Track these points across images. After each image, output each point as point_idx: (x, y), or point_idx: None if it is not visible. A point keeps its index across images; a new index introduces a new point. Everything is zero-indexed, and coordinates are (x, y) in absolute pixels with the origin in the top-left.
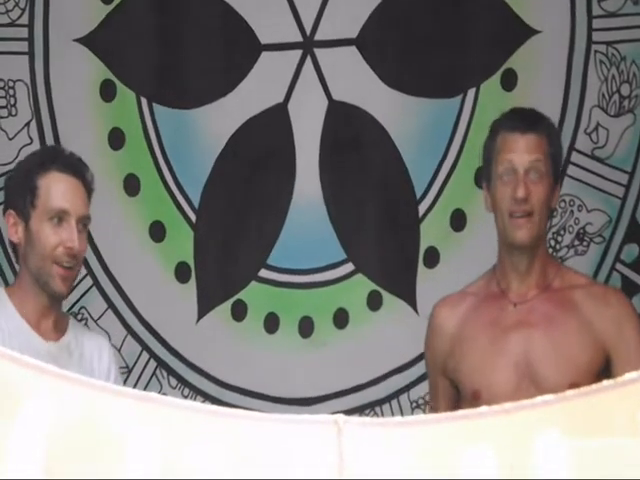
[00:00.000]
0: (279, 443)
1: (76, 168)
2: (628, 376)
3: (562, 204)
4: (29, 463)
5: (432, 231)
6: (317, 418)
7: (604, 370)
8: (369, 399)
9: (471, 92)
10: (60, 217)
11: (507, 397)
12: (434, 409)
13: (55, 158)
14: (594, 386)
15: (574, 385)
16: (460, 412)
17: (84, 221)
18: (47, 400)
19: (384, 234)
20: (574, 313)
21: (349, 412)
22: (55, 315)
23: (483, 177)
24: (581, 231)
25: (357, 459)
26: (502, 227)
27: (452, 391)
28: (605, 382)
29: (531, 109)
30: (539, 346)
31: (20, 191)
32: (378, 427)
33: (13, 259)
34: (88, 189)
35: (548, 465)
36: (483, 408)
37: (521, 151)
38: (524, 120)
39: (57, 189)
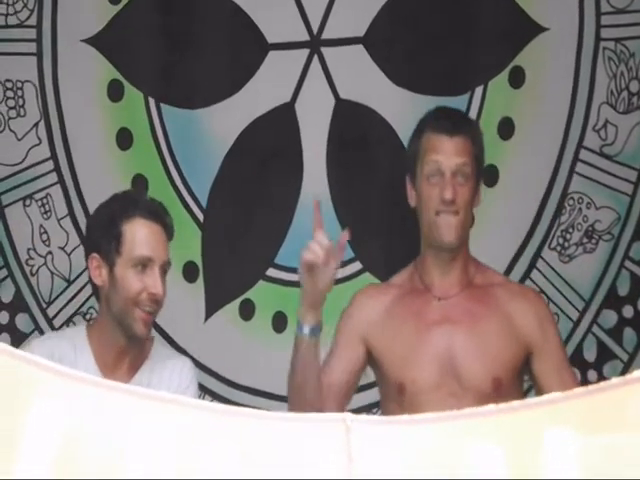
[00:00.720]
0: (287, 442)
1: (158, 214)
2: (636, 373)
3: (570, 202)
4: (39, 463)
5: None
6: (325, 416)
7: (525, 364)
8: (377, 397)
9: (479, 90)
10: (144, 264)
11: (430, 391)
12: (325, 365)
13: (137, 204)
14: (602, 384)
15: (497, 380)
16: (468, 410)
17: (165, 266)
18: (57, 400)
19: (392, 233)
20: (496, 309)
21: (357, 410)
22: (131, 355)
23: (407, 173)
24: (590, 229)
25: (365, 457)
26: (427, 225)
27: (359, 358)
28: (614, 379)
29: (457, 110)
30: (462, 341)
31: (105, 236)
32: (386, 425)
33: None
34: (168, 234)
35: (556, 463)
36: (490, 406)
37: (449, 153)
38: (451, 122)
39: (141, 236)
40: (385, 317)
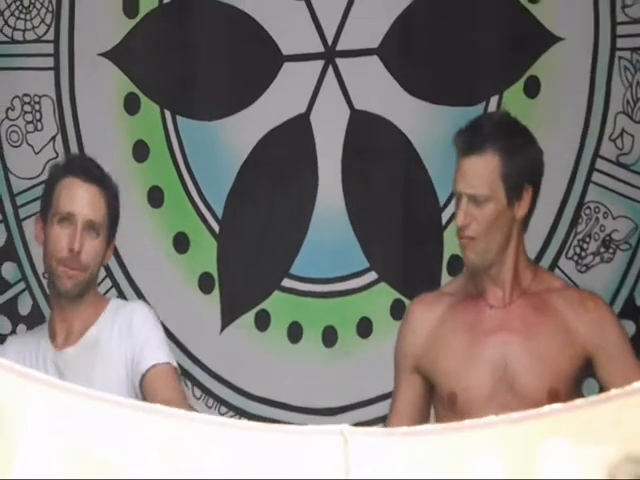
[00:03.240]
0: (285, 454)
1: (89, 173)
2: (637, 385)
3: (587, 211)
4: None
5: (456, 239)
6: (323, 429)
7: (586, 375)
8: (382, 412)
9: (494, 100)
10: (66, 219)
11: (483, 401)
12: (392, 407)
13: (70, 164)
14: (603, 395)
15: (553, 391)
16: (467, 422)
17: (95, 226)
18: (50, 413)
19: (407, 242)
20: (553, 317)
21: (373, 422)
22: (80, 318)
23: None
24: (607, 238)
25: (364, 470)
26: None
27: (421, 390)
28: (613, 391)
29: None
30: (516, 351)
31: (44, 198)
32: (384, 437)
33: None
34: (107, 195)
35: (556, 475)
36: (490, 417)
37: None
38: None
39: (66, 193)
40: (438, 327)
